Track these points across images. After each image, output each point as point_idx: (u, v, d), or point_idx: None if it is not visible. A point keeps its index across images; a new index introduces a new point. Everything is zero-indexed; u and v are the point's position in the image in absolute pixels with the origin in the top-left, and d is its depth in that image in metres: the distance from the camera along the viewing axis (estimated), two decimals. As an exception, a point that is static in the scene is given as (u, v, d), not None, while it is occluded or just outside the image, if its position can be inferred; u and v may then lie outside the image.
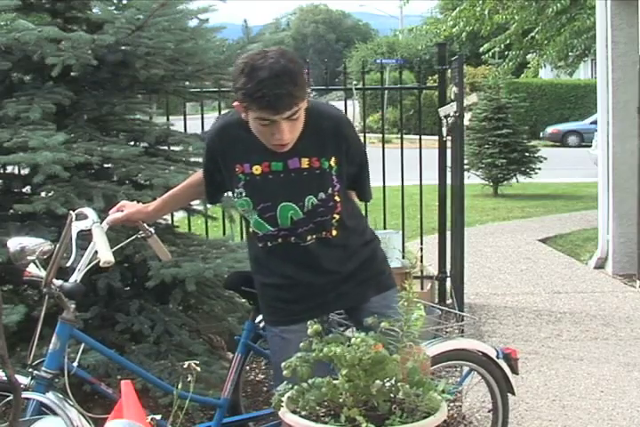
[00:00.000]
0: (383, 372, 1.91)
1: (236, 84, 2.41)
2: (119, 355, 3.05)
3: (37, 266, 2.67)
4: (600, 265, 7.48)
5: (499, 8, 12.01)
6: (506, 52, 13.09)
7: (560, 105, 27.78)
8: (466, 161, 10.81)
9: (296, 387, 1.94)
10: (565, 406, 4.12)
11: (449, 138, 5.73)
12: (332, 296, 2.71)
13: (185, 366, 2.45)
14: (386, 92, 14.07)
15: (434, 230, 6.54)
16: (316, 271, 2.67)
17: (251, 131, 2.52)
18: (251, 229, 2.68)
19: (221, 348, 3.95)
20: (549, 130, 25.58)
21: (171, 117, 5.00)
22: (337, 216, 2.64)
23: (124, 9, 3.98)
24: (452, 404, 3.94)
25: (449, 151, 5.89)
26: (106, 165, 3.89)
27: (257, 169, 2.57)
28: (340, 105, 6.62)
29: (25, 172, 3.89)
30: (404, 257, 5.47)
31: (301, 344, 2.04)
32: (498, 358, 3.18)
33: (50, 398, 2.56)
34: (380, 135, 6.48)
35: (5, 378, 1.89)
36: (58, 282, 2.62)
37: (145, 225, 2.91)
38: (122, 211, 2.87)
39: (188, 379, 2.43)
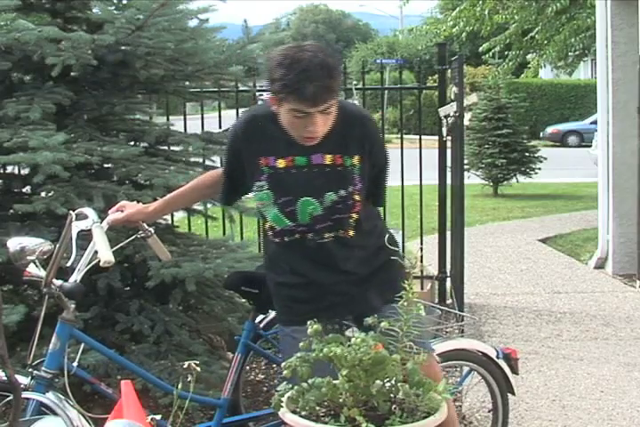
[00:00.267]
0: (383, 372, 1.91)
1: (273, 76, 2.42)
2: (119, 355, 3.05)
3: (37, 266, 2.67)
4: (600, 265, 7.48)
5: (499, 8, 12.02)
6: (506, 52, 13.09)
7: (560, 105, 27.78)
8: (466, 161, 10.81)
9: (296, 387, 1.94)
10: (565, 406, 4.12)
11: (449, 138, 5.73)
12: (344, 299, 2.68)
13: (185, 366, 2.45)
14: (386, 92, 14.05)
15: (434, 230, 6.54)
16: (330, 271, 2.64)
17: (278, 124, 2.52)
18: (267, 225, 2.66)
19: (221, 348, 3.95)
20: (549, 130, 25.58)
21: (171, 117, 5.00)
22: (355, 216, 2.63)
23: (124, 9, 3.98)
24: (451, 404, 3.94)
25: (449, 151, 5.89)
26: (106, 165, 3.89)
27: (281, 163, 2.57)
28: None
29: (25, 172, 3.90)
30: (403, 257, 5.47)
31: (301, 344, 2.04)
32: (498, 358, 3.19)
33: (50, 398, 2.56)
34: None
35: (5, 378, 1.89)
36: (58, 282, 2.62)
37: (145, 225, 2.91)
38: (122, 211, 2.87)
39: (188, 379, 2.42)
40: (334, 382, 1.90)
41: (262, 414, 3.26)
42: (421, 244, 6.26)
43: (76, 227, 2.68)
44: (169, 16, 3.90)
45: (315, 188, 2.58)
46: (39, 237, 2.76)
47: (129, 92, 4.15)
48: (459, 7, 12.59)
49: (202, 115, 5.41)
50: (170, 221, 4.69)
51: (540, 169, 13.47)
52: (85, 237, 2.68)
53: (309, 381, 1.93)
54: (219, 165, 4.46)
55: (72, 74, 3.88)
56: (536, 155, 13.53)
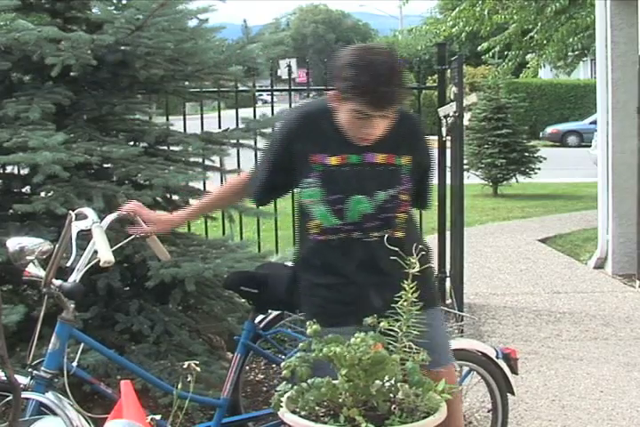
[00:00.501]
0: (383, 372, 1.91)
1: (342, 74, 2.43)
2: (119, 355, 3.05)
3: (37, 266, 2.67)
4: (600, 265, 7.48)
5: (498, 8, 12.02)
6: (505, 52, 13.10)
7: (560, 105, 27.78)
8: (465, 161, 10.81)
9: (295, 387, 1.94)
10: (565, 406, 4.13)
11: (448, 138, 5.72)
12: (379, 302, 2.64)
13: (185, 366, 2.45)
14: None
15: (433, 230, 6.53)
16: (371, 271, 2.62)
17: (332, 121, 2.54)
18: (312, 223, 2.63)
19: (221, 348, 3.95)
20: (549, 130, 25.58)
21: (170, 117, 4.99)
22: (401, 216, 2.65)
23: (124, 9, 3.97)
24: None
25: (448, 151, 5.88)
26: (105, 165, 3.89)
27: (333, 160, 2.58)
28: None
29: (24, 172, 3.90)
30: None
31: (300, 344, 2.04)
32: (497, 358, 3.18)
33: (49, 398, 2.56)
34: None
35: (5, 378, 1.89)
36: (57, 282, 2.62)
37: (144, 225, 2.92)
38: (145, 220, 2.88)
39: (188, 379, 2.42)
40: (334, 382, 1.90)
41: (262, 415, 3.26)
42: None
43: (76, 227, 2.67)
44: (168, 16, 3.90)
45: (367, 186, 2.59)
46: (39, 237, 2.76)
47: (128, 92, 4.15)
48: (458, 7, 12.60)
49: (201, 115, 5.40)
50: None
51: (539, 169, 13.47)
52: (85, 237, 2.68)
53: (309, 381, 1.93)
54: (218, 165, 4.46)
55: (72, 74, 3.88)
56: (536, 155, 13.52)
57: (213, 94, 5.18)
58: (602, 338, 5.33)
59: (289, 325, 3.50)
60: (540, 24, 11.80)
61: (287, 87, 6.12)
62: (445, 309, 5.11)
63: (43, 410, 2.54)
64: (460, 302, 5.33)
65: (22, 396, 2.29)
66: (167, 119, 4.90)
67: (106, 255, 2.54)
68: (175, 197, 4.11)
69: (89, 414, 2.62)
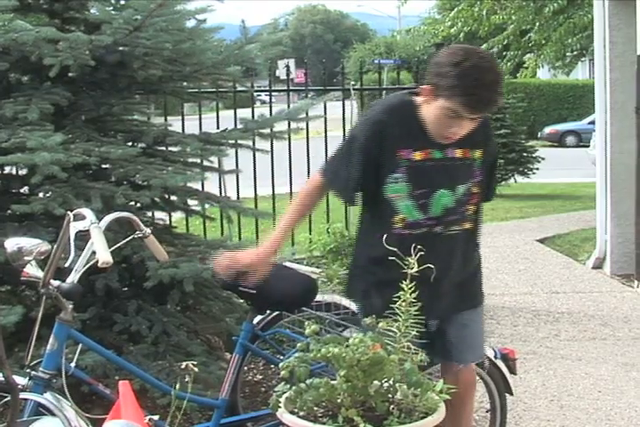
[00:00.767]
0: (381, 372, 1.91)
1: (449, 72, 2.44)
2: (117, 355, 3.05)
3: (35, 266, 2.67)
4: (598, 265, 7.48)
5: (496, 8, 12.02)
6: (504, 53, 13.10)
7: (558, 105, 27.80)
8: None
9: (294, 387, 1.94)
10: (563, 407, 4.13)
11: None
12: (439, 300, 2.65)
13: (183, 367, 2.45)
14: (384, 92, 14.03)
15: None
16: (445, 266, 2.60)
17: (417, 116, 2.57)
18: (397, 217, 2.61)
19: (219, 348, 3.95)
20: (547, 130, 25.59)
21: (168, 118, 5.00)
22: (471, 208, 2.70)
23: (122, 9, 3.97)
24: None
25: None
26: (104, 166, 3.88)
27: (417, 155, 2.60)
28: (337, 105, 6.66)
29: (23, 172, 3.89)
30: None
31: (299, 344, 2.04)
32: (496, 358, 3.18)
33: (47, 398, 2.56)
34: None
35: (3, 379, 1.89)
36: (55, 282, 2.61)
37: (142, 225, 2.91)
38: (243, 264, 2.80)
39: (186, 379, 2.42)
40: (332, 382, 1.90)
41: (260, 415, 3.26)
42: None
43: (74, 227, 2.67)
44: (167, 16, 3.90)
45: (449, 180, 2.64)
46: (37, 237, 2.76)
47: (127, 93, 4.15)
48: (457, 7, 12.61)
49: (200, 115, 5.41)
50: (168, 222, 4.69)
51: (538, 169, 13.48)
52: (83, 237, 2.68)
53: (307, 381, 1.93)
54: (216, 165, 4.46)
55: (70, 74, 3.88)
56: (534, 155, 13.54)
57: (211, 95, 5.19)
58: (600, 338, 5.33)
59: (287, 325, 3.49)
60: (538, 24, 11.80)
61: (285, 87, 6.12)
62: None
63: (41, 411, 2.54)
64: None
65: (20, 396, 2.29)
66: (165, 120, 4.90)
67: (104, 256, 2.54)
68: (173, 198, 4.11)
69: (87, 415, 2.62)
